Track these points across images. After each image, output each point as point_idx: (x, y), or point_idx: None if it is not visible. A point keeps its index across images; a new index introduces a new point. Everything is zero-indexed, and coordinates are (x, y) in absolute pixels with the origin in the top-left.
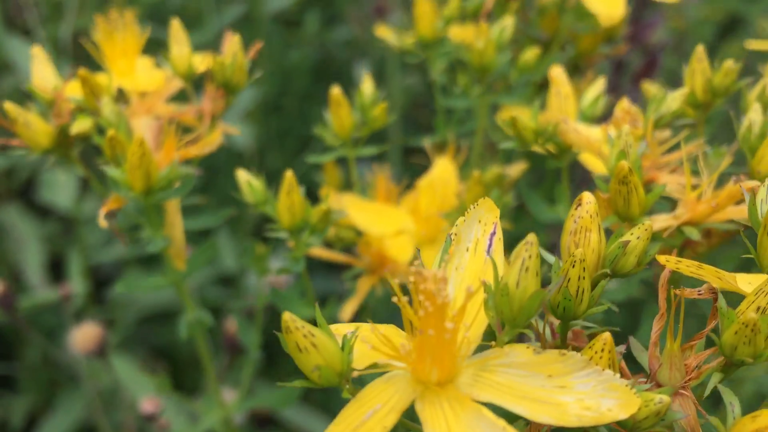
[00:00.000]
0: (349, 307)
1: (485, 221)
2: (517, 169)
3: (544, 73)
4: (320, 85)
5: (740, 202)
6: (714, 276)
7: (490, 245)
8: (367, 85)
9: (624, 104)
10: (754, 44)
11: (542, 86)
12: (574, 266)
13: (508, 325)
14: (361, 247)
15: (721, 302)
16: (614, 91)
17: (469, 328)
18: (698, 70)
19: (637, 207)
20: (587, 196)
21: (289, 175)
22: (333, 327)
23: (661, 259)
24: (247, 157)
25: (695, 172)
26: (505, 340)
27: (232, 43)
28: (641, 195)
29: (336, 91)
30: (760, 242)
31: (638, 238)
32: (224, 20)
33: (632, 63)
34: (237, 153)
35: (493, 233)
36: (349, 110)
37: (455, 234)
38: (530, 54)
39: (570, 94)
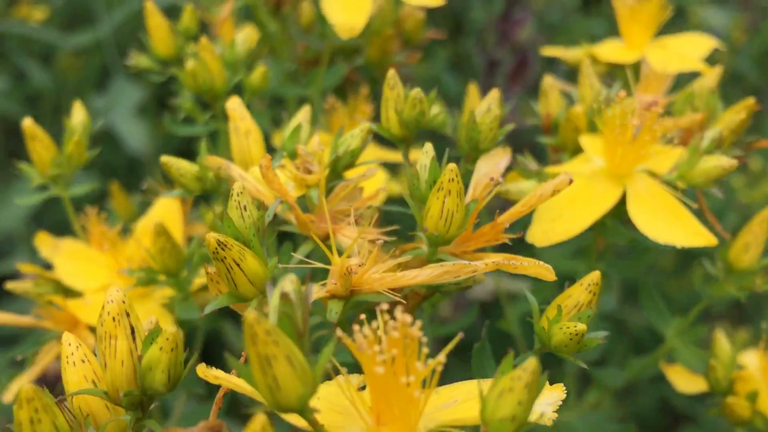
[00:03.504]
0: (25, 378)
1: None
2: None
3: (323, 90)
4: None
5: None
6: None
7: None
8: (77, 115)
9: (303, 146)
10: (548, 51)
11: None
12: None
13: None
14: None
15: None
16: (487, 92)
17: None
18: (390, 98)
19: (247, 286)
20: (111, 293)
21: None
22: None
23: None
24: (147, 160)
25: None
26: None
27: None
28: (251, 268)
29: (27, 122)
30: None
31: (161, 348)
32: (115, 18)
33: (505, 62)
34: (133, 157)
35: None
36: (48, 144)
37: None
38: (257, 74)
39: (251, 130)
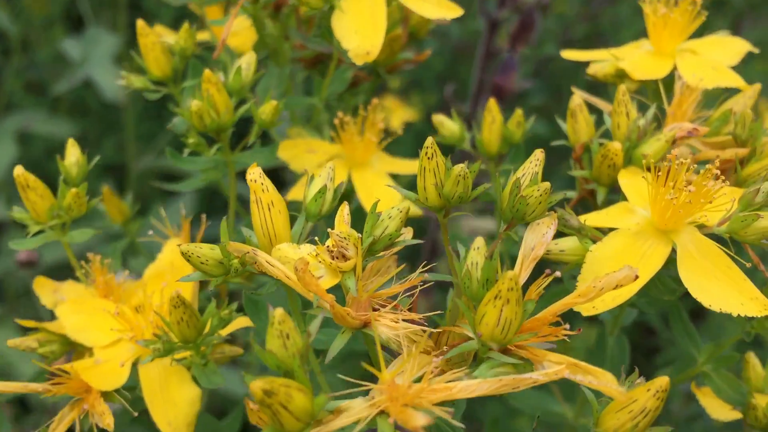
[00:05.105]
0: None
1: None
2: None
3: (327, 99)
4: None
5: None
6: None
7: None
8: (72, 153)
9: (336, 231)
10: (569, 54)
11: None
12: None
13: None
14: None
15: None
16: (489, 57)
17: None
18: (428, 168)
19: (294, 424)
20: None
21: None
22: None
23: None
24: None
25: None
26: None
27: None
28: (299, 406)
29: (18, 171)
30: None
31: None
32: None
33: (509, 23)
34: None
35: None
36: (43, 192)
37: None
38: (268, 108)
39: (274, 201)
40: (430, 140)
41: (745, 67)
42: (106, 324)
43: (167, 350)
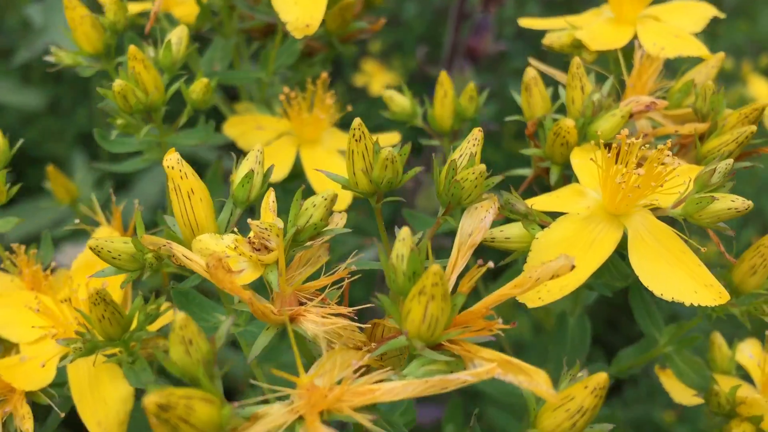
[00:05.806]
0: None
1: None
2: None
3: (278, 71)
4: None
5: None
6: None
7: None
8: None
9: (258, 222)
10: (526, 22)
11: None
12: None
13: None
14: None
15: None
16: (462, 18)
17: None
18: (357, 151)
19: None
20: None
21: None
22: None
23: None
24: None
25: None
26: None
27: None
28: (202, 418)
29: None
30: None
31: None
32: None
33: None
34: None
35: None
36: None
37: None
38: (199, 86)
39: (194, 189)
40: (357, 121)
41: (728, 27)
42: (32, 319)
43: (90, 349)
